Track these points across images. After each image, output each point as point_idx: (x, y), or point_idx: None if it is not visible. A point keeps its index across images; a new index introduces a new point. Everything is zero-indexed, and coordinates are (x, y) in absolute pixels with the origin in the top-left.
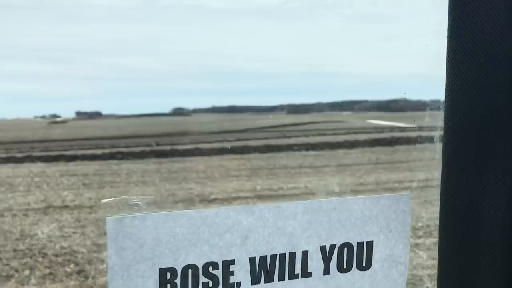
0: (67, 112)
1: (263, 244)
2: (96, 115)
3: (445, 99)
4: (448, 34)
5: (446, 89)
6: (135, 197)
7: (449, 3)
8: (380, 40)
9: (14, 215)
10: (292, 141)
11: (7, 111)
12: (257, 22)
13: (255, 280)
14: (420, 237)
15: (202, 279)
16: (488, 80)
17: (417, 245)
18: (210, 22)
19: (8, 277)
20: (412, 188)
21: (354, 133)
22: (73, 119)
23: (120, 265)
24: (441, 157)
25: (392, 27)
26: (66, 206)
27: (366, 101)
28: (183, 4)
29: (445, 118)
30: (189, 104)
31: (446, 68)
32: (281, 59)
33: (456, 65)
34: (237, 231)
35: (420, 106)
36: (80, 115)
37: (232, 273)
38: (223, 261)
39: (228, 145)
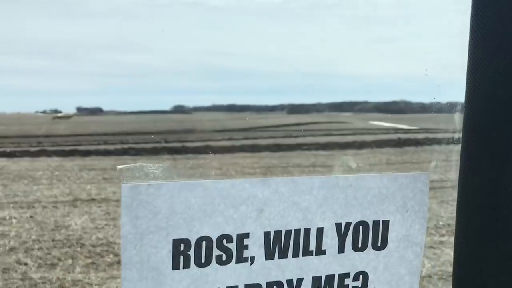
0: (68, 107)
1: (278, 219)
2: (97, 111)
3: (465, 101)
4: (470, 37)
5: (466, 92)
6: (151, 164)
7: (472, 6)
8: (380, 42)
9: (44, 207)
10: (299, 140)
11: (8, 105)
12: (258, 21)
13: (269, 255)
14: (443, 235)
15: (216, 251)
16: (508, 83)
17: (442, 242)
18: (210, 21)
19: (53, 265)
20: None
21: (361, 133)
22: (76, 115)
23: (134, 234)
24: (459, 158)
25: (392, 29)
26: (93, 200)
27: (366, 102)
28: (185, 2)
29: (464, 119)
30: (189, 102)
31: (467, 71)
32: (281, 59)
33: (476, 68)
34: (252, 204)
35: (419, 108)
36: (81, 110)
37: (246, 247)
38: (237, 234)
39: (236, 143)
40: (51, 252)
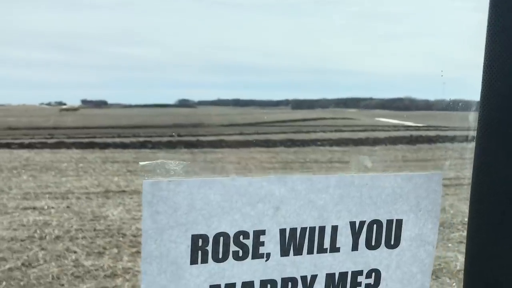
0: (72, 100)
1: (294, 216)
2: (102, 103)
3: (481, 98)
4: (487, 33)
5: (482, 89)
6: (172, 161)
7: (489, 1)
8: (385, 39)
9: (78, 198)
10: (312, 136)
11: (13, 97)
12: (264, 16)
13: (284, 252)
14: None
15: (233, 247)
16: None
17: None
18: (216, 15)
19: (101, 254)
20: (446, 185)
21: (372, 130)
22: (82, 107)
23: (154, 229)
24: (472, 155)
25: (398, 26)
26: (124, 191)
27: (371, 99)
28: None
29: (479, 117)
30: (194, 96)
31: (483, 68)
32: (286, 54)
33: (493, 65)
34: (269, 201)
35: (425, 105)
36: (86, 103)
37: (262, 244)
38: (254, 231)
39: (249, 138)
40: (95, 241)
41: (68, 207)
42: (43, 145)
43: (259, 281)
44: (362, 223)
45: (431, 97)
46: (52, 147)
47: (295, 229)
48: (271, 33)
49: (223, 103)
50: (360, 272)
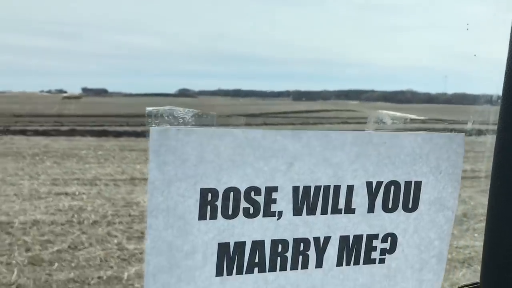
0: (73, 87)
1: (308, 174)
2: (102, 92)
3: (503, 92)
4: None
5: (505, 82)
6: (181, 108)
7: None
8: (389, 31)
9: (106, 184)
10: (320, 128)
11: (13, 84)
12: (266, 7)
13: (297, 211)
14: None
15: (243, 204)
16: None
17: None
18: (218, 4)
19: (140, 238)
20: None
21: (378, 122)
22: (83, 95)
23: (161, 181)
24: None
25: (402, 18)
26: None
27: (372, 91)
28: None
29: (501, 111)
30: (194, 85)
31: (507, 61)
32: (288, 45)
33: None
34: (282, 156)
35: (427, 98)
36: (86, 91)
37: (274, 201)
38: (266, 187)
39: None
40: (132, 226)
41: (98, 193)
42: (58, 133)
43: (270, 240)
44: (379, 183)
45: (433, 90)
46: (66, 135)
47: (309, 187)
48: (274, 23)
49: (223, 93)
50: (375, 236)
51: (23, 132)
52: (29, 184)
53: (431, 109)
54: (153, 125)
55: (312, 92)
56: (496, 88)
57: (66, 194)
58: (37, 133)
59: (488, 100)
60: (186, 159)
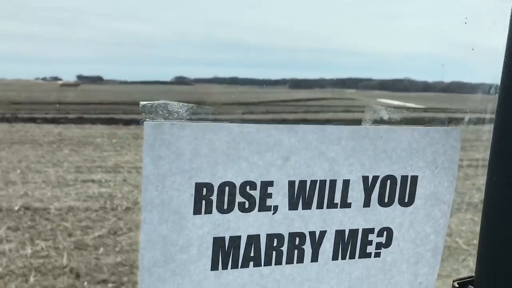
0: (68, 75)
1: (304, 168)
2: (98, 79)
3: (501, 81)
4: (511, 17)
5: (503, 71)
6: (176, 103)
7: None
8: (386, 18)
9: (129, 172)
10: (322, 116)
11: (7, 72)
12: None
13: (292, 205)
14: None
15: (239, 198)
16: None
17: None
18: None
19: None
20: (461, 165)
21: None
22: (78, 83)
23: (156, 175)
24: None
25: (400, 6)
26: None
27: (370, 80)
28: None
29: (499, 100)
30: (191, 73)
31: (506, 50)
32: (284, 32)
33: None
34: (278, 151)
35: (424, 87)
36: (82, 79)
37: (270, 196)
38: (261, 182)
39: (260, 117)
40: None
41: (124, 180)
42: (67, 120)
43: (266, 235)
44: (375, 178)
45: (430, 78)
46: (75, 122)
47: (305, 181)
48: (270, 10)
49: (220, 81)
50: (371, 230)
51: (33, 120)
52: (54, 172)
53: (428, 98)
54: (147, 119)
55: (309, 80)
56: (492, 77)
57: (93, 181)
58: (46, 121)
59: (486, 89)
60: (180, 154)
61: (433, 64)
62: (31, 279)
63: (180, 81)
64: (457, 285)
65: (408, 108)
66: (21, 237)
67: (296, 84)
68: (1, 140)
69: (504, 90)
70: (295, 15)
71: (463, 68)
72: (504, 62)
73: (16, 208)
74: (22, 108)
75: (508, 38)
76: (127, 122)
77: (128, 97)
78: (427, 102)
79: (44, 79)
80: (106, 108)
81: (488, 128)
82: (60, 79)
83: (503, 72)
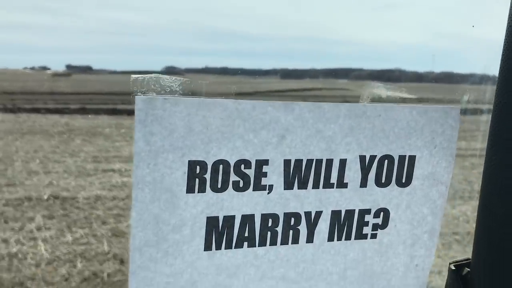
0: (56, 64)
1: (300, 147)
2: (87, 69)
3: (500, 72)
4: (510, 8)
5: (502, 62)
6: (168, 76)
7: None
8: (378, 8)
9: None
10: None
11: None
12: None
13: (288, 185)
14: None
15: (233, 177)
16: None
17: None
18: None
19: None
20: (465, 155)
21: (378, 101)
22: (68, 72)
23: (147, 152)
24: (488, 128)
25: None
26: None
27: (361, 70)
28: None
29: (497, 90)
30: (181, 63)
31: (505, 41)
32: (275, 22)
33: None
34: (273, 129)
35: (415, 77)
36: (71, 68)
37: (265, 175)
38: (256, 160)
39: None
40: None
41: None
42: (70, 111)
43: (260, 214)
44: (372, 157)
45: (421, 68)
46: (79, 113)
47: (301, 160)
48: (261, 0)
49: (211, 71)
50: (367, 211)
51: (37, 110)
52: (73, 162)
53: (420, 88)
54: (139, 93)
55: (300, 70)
56: (484, 68)
57: (113, 171)
58: (50, 111)
59: (478, 79)
60: (173, 130)
61: (424, 54)
62: (78, 265)
63: (171, 70)
64: (453, 268)
65: (402, 99)
66: (58, 225)
67: (287, 74)
68: (12, 131)
69: (503, 80)
70: (286, 3)
71: (453, 58)
72: (503, 53)
73: (45, 197)
74: (17, 98)
75: (507, 30)
76: (130, 112)
77: (122, 87)
78: (419, 93)
79: (32, 68)
80: (105, 98)
81: (485, 118)
82: (48, 69)
83: (502, 61)
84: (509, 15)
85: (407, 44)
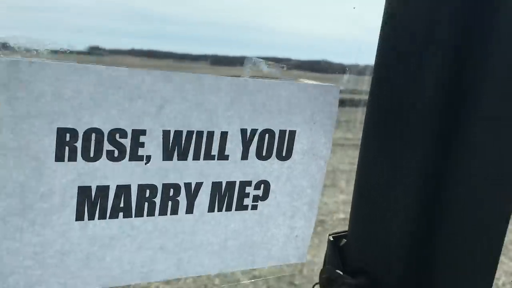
0: None
1: (180, 118)
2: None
3: (375, 62)
4: (383, 20)
5: (377, 53)
6: (35, 39)
7: None
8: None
9: None
10: None
11: None
12: None
13: (167, 155)
14: None
15: (107, 146)
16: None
17: None
18: None
19: None
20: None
21: None
22: None
23: (11, 117)
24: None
25: None
26: None
27: (289, 59)
28: None
29: (372, 82)
30: (106, 43)
31: (381, 28)
32: (206, 6)
33: (388, 27)
34: (151, 99)
35: (340, 69)
36: None
37: (142, 145)
38: (132, 130)
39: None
40: None
41: None
42: None
43: (137, 185)
44: (253, 131)
45: (346, 61)
46: None
47: (181, 131)
48: None
49: (138, 53)
50: (248, 183)
51: None
52: None
53: (345, 79)
54: (1, 55)
55: (230, 57)
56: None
57: None
58: None
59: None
60: (40, 95)
61: (350, 46)
62: None
63: (95, 52)
64: (332, 239)
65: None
66: None
67: (218, 60)
68: None
69: (377, 72)
70: None
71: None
72: (378, 43)
73: None
74: None
75: (380, 31)
76: None
77: None
78: (345, 84)
79: None
80: None
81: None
82: None
83: (377, 51)
84: (382, 21)
85: (334, 35)
